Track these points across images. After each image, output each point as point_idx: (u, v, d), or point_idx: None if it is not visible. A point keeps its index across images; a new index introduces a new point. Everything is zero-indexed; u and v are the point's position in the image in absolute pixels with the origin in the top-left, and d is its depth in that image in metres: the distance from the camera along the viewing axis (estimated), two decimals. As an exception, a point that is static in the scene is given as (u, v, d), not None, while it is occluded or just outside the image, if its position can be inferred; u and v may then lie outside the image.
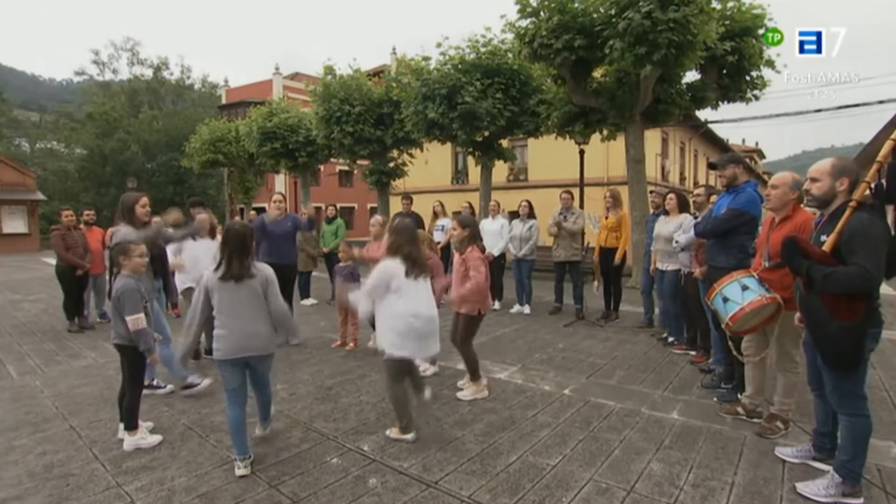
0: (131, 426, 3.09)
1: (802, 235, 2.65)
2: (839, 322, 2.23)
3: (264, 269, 2.88)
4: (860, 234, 2.21)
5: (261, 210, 6.27)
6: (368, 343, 5.11)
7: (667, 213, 5.24)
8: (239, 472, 2.74)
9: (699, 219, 4.40)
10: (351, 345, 5.33)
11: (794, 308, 2.77)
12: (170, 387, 4.06)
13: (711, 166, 3.94)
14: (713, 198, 4.51)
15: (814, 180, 2.47)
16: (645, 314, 6.17)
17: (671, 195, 5.21)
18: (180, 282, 4.92)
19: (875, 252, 2.19)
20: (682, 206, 5.11)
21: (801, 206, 3.06)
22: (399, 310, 3.05)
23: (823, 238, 2.35)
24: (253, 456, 2.85)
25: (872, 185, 2.33)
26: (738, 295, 2.89)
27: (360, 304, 3.16)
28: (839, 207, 2.37)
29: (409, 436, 3.11)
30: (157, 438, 3.14)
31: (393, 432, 3.17)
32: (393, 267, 3.08)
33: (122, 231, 3.93)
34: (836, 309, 2.24)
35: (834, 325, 2.25)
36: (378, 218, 4.97)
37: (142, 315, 3.07)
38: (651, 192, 6.24)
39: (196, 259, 4.66)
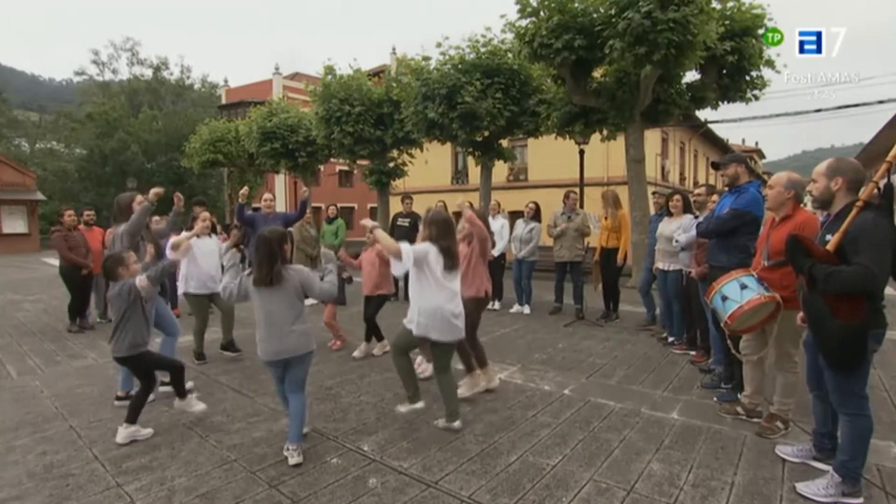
0: (130, 420, 3.14)
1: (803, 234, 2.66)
2: (841, 322, 2.23)
3: (299, 272, 2.94)
4: (864, 234, 2.21)
5: (255, 210, 6.36)
6: (374, 350, 5.09)
7: (671, 213, 5.24)
8: (293, 460, 2.83)
9: (700, 218, 4.41)
10: (338, 343, 5.34)
11: (793, 307, 2.78)
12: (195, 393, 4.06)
13: (714, 166, 3.95)
14: (714, 197, 4.52)
15: (813, 181, 2.51)
16: (647, 313, 6.17)
17: (677, 196, 5.22)
18: (182, 286, 4.87)
19: (879, 253, 2.18)
20: (687, 209, 5.12)
21: (801, 205, 3.07)
22: (431, 297, 3.16)
23: (828, 237, 2.34)
24: (301, 448, 2.92)
25: (881, 185, 2.32)
26: (737, 293, 2.90)
27: (405, 252, 3.05)
28: (845, 207, 2.37)
29: (419, 404, 3.23)
30: (149, 431, 3.19)
31: (440, 422, 3.27)
32: (433, 253, 3.16)
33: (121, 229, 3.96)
34: (838, 308, 2.24)
35: (836, 325, 2.24)
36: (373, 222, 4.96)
37: (140, 277, 3.14)
38: (654, 192, 6.24)
39: (194, 258, 4.66)
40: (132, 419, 3.16)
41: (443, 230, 3.23)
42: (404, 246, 3.07)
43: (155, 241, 4.57)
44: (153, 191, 4.16)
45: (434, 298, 3.15)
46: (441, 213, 3.40)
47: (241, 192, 6.01)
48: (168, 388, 4.00)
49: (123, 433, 3.12)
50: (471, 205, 7.40)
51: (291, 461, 2.82)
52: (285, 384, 3.00)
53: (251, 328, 3.24)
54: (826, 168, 2.45)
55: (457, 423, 3.23)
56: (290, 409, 2.96)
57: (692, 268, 4.43)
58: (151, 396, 3.64)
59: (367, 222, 3.36)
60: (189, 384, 4.09)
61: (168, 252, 4.60)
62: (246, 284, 2.93)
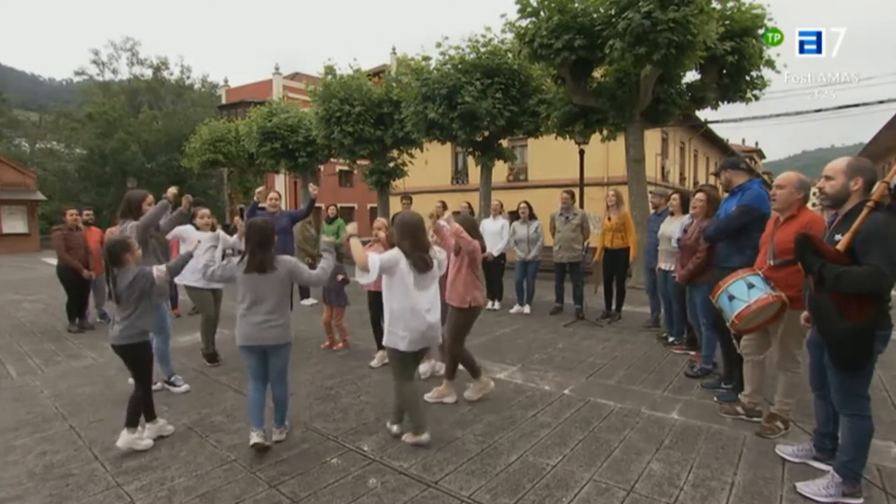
0: (131, 423, 3.05)
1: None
2: (849, 322, 2.22)
3: (286, 261, 3.01)
4: (876, 234, 2.19)
5: (260, 210, 6.41)
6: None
7: (671, 213, 5.24)
8: (253, 440, 2.91)
9: (685, 219, 4.45)
10: (340, 345, 5.33)
11: (798, 307, 2.76)
12: (185, 386, 4.06)
13: (715, 174, 3.95)
14: (674, 196, 4.53)
15: (828, 178, 2.44)
16: (651, 314, 6.16)
17: (675, 195, 5.21)
18: (181, 278, 4.65)
19: (890, 253, 2.17)
20: (687, 206, 5.10)
21: (807, 206, 3.06)
22: (400, 304, 3.02)
23: (838, 237, 2.32)
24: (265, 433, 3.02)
25: (892, 185, 2.30)
26: (745, 293, 2.88)
27: (371, 262, 2.93)
28: (855, 207, 2.34)
29: (425, 437, 3.05)
30: (148, 443, 3.09)
31: (408, 437, 3.11)
32: (403, 260, 3.03)
33: (130, 226, 3.96)
34: (846, 309, 2.23)
35: (844, 325, 2.23)
36: (383, 220, 4.93)
37: (158, 267, 3.15)
38: (650, 192, 6.24)
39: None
40: (133, 422, 3.05)
41: (404, 232, 3.07)
42: (372, 256, 2.98)
43: (165, 243, 4.55)
44: (171, 190, 4.21)
45: (403, 305, 3.01)
46: (404, 215, 3.27)
47: (258, 190, 6.13)
48: (181, 389, 4.03)
49: (125, 438, 3.02)
50: (469, 205, 7.45)
51: (275, 437, 3.06)
52: (269, 376, 3.06)
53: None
54: (846, 166, 2.39)
55: (424, 437, 3.05)
56: (275, 398, 3.11)
57: (679, 269, 4.40)
58: (186, 387, 3.81)
59: (350, 227, 3.27)
60: (183, 386, 4.09)
61: (182, 247, 4.59)
62: (233, 269, 2.98)
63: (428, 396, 3.78)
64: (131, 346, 3.09)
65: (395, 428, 3.22)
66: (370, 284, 4.75)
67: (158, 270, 3.11)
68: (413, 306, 3.00)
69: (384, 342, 3.15)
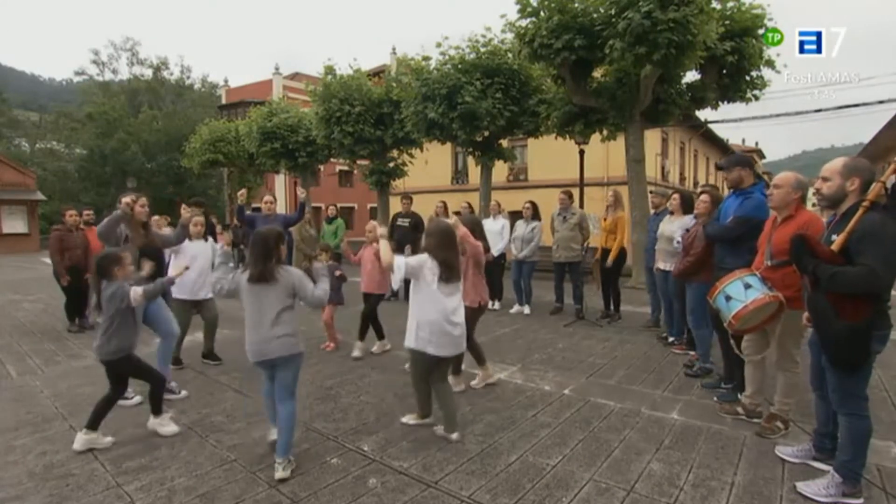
0: (92, 426, 3.07)
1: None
2: (846, 322, 2.22)
3: (293, 273, 2.90)
4: (871, 234, 2.19)
5: (255, 212, 6.46)
6: (373, 348, 5.15)
7: (671, 213, 5.24)
8: (271, 437, 2.93)
9: (689, 218, 4.45)
10: (331, 345, 5.33)
11: (797, 307, 2.77)
12: (184, 392, 3.97)
13: (718, 168, 3.93)
14: (674, 196, 4.50)
15: (825, 179, 2.45)
16: (652, 314, 6.16)
17: (675, 195, 5.22)
18: (176, 290, 4.55)
19: (886, 253, 2.17)
20: (686, 206, 5.10)
21: (805, 206, 3.06)
22: (429, 309, 3.07)
23: (834, 237, 2.32)
24: (294, 461, 2.80)
25: (888, 186, 2.30)
26: (742, 293, 2.88)
27: (397, 263, 3.06)
28: (851, 207, 2.34)
29: (454, 436, 3.12)
30: (109, 440, 3.10)
31: (410, 418, 3.28)
32: (429, 265, 3.08)
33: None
34: (842, 309, 2.23)
35: (840, 325, 2.23)
36: (374, 223, 4.99)
37: (136, 288, 3.11)
38: (651, 192, 6.24)
39: (189, 261, 4.37)
40: (94, 425, 3.06)
41: (440, 242, 3.13)
42: (398, 259, 3.07)
43: (157, 247, 4.50)
44: (125, 200, 3.95)
45: (431, 311, 3.06)
46: (440, 223, 3.34)
47: (240, 193, 6.08)
48: (180, 395, 3.92)
49: (82, 439, 3.03)
50: (469, 205, 7.48)
51: (277, 475, 2.67)
52: (274, 389, 2.91)
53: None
54: (843, 167, 2.39)
55: (454, 435, 3.11)
56: (279, 419, 2.80)
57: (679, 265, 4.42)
58: (138, 399, 3.69)
59: (376, 228, 3.36)
60: (182, 393, 4.02)
61: (170, 270, 4.50)
62: (238, 280, 2.89)
63: (473, 383, 4.08)
64: (108, 363, 3.13)
65: (454, 435, 3.15)
66: (368, 286, 4.94)
67: (135, 293, 3.09)
68: (440, 310, 3.06)
69: (413, 346, 3.14)
